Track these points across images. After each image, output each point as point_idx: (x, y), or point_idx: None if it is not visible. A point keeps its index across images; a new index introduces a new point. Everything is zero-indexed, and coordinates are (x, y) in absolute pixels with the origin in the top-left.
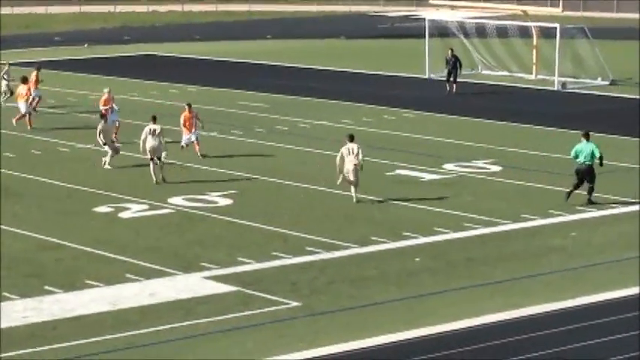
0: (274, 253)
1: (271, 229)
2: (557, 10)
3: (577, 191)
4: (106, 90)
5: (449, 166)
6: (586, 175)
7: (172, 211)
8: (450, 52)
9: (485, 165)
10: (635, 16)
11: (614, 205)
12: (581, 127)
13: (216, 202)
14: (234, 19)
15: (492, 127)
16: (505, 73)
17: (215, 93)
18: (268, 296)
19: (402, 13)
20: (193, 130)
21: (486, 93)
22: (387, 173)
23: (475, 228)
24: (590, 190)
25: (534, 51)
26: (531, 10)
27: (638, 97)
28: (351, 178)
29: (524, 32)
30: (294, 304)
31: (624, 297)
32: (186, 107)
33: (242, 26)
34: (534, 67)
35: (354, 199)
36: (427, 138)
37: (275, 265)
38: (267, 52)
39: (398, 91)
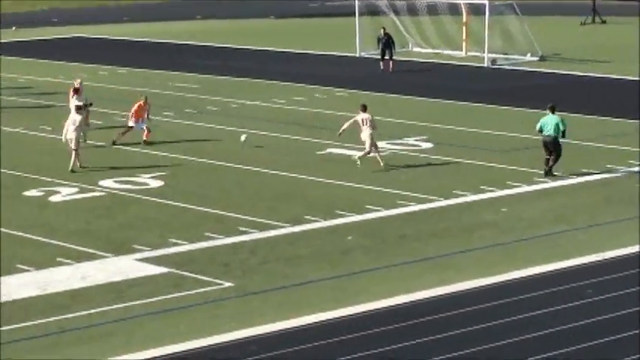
0: (206, 234)
1: (203, 210)
2: None
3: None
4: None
5: (381, 144)
6: (551, 146)
7: (103, 193)
8: (382, 30)
9: (416, 142)
10: None
11: (544, 180)
12: (510, 103)
13: (147, 184)
14: (161, 0)
15: (423, 105)
16: (435, 50)
17: (146, 74)
18: (201, 277)
19: None
20: (144, 119)
21: (417, 70)
22: (319, 152)
23: (407, 205)
24: (554, 161)
25: (464, 28)
26: None
27: (566, 72)
28: (367, 148)
29: (454, 10)
30: (227, 284)
31: (555, 270)
32: (143, 99)
33: (171, 7)
34: (464, 44)
35: (381, 164)
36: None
37: (207, 246)
38: (197, 32)
39: (329, 70)
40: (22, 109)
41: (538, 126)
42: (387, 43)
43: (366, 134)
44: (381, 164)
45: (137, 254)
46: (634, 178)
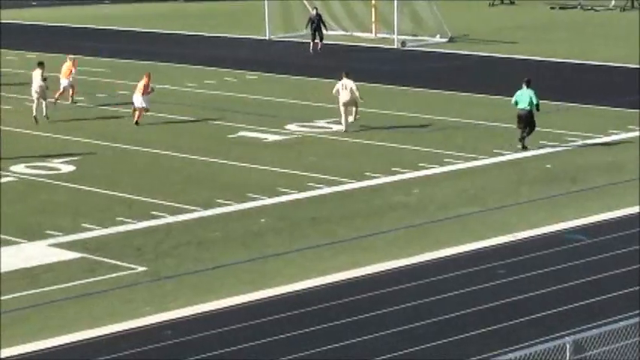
0: (119, 219)
1: (115, 195)
2: None
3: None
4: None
5: (291, 127)
6: (525, 119)
7: (14, 179)
8: (315, 10)
9: (327, 124)
10: None
11: (456, 161)
12: (421, 85)
13: (58, 169)
14: None
15: (332, 87)
16: (345, 32)
17: (55, 59)
18: (114, 262)
19: None
20: (144, 96)
21: (326, 53)
22: (230, 135)
23: (319, 188)
24: (528, 134)
25: (373, 10)
26: None
27: (476, 53)
28: (342, 112)
29: None
30: (140, 268)
31: (467, 252)
32: (146, 75)
33: None
34: (373, 26)
35: (346, 124)
36: (269, 99)
37: (120, 231)
38: (106, 16)
39: (239, 53)
40: None
41: (513, 100)
42: (319, 23)
43: (343, 99)
44: (354, 118)
45: (50, 239)
46: (544, 159)
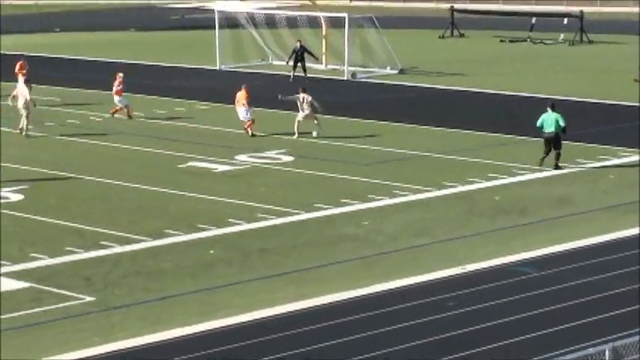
0: (68, 248)
1: (64, 224)
2: (345, 1)
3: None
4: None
5: (241, 157)
6: (553, 142)
7: None
8: (298, 43)
9: (277, 155)
10: (422, 5)
11: (405, 192)
12: (371, 117)
13: (7, 198)
14: (21, 12)
15: (284, 117)
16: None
17: (4, 87)
18: (62, 291)
19: (192, 5)
20: (248, 107)
21: (276, 83)
22: (180, 165)
23: (269, 218)
24: (558, 156)
25: (324, 41)
26: (320, 0)
27: (425, 85)
28: (297, 125)
29: (314, 22)
30: (89, 298)
31: (416, 283)
32: (243, 88)
33: (30, 20)
34: (324, 56)
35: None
36: (218, 129)
37: (69, 260)
38: (57, 45)
39: (190, 83)
40: None
41: (539, 123)
42: (302, 55)
43: (301, 114)
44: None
45: None
46: (493, 191)
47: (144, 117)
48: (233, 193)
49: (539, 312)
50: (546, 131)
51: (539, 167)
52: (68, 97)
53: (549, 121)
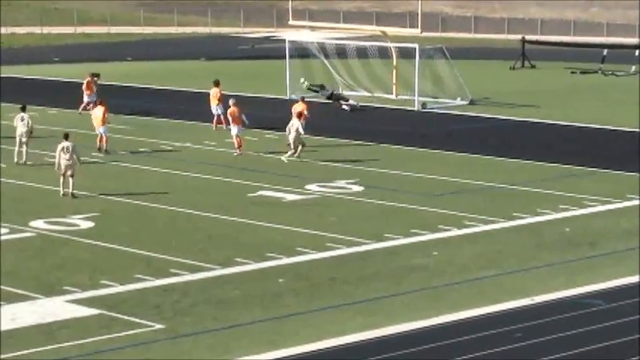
0: (137, 276)
1: (134, 252)
2: (415, 31)
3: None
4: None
5: (311, 187)
6: None
7: (33, 234)
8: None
9: (346, 185)
10: (492, 36)
11: (475, 223)
12: (441, 147)
13: (77, 225)
14: (93, 40)
15: (353, 147)
16: (366, 93)
17: (76, 115)
18: (132, 319)
19: (262, 35)
20: (236, 124)
21: (347, 113)
22: (250, 194)
23: (338, 248)
24: None
25: (394, 71)
26: (390, 30)
27: (496, 116)
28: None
29: (384, 53)
30: (158, 326)
31: (484, 315)
32: (231, 103)
33: (101, 48)
34: (394, 87)
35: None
36: (289, 159)
37: (138, 288)
38: (128, 73)
39: (259, 112)
40: None
41: None
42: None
43: (292, 136)
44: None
45: (67, 295)
46: (563, 223)
47: (214, 146)
48: (302, 223)
49: (607, 345)
50: None
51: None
52: (139, 125)
53: None
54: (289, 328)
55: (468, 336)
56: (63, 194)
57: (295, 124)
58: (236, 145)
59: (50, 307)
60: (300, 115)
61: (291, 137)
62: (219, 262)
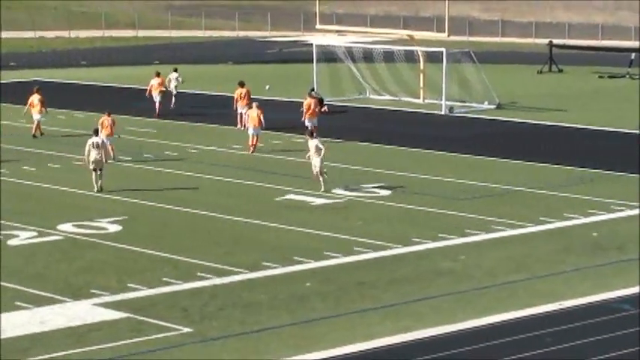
0: (165, 279)
1: (161, 255)
2: (442, 35)
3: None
4: None
5: (338, 191)
6: None
7: (61, 237)
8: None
9: (374, 189)
10: (520, 40)
11: (502, 228)
12: (469, 151)
13: (105, 229)
14: (121, 44)
15: (380, 151)
16: (393, 97)
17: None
18: (159, 322)
19: (289, 39)
20: (256, 126)
21: (374, 117)
22: (277, 198)
23: (365, 252)
24: None
25: (421, 75)
26: (417, 34)
27: (523, 120)
28: (314, 172)
29: (411, 57)
30: (186, 329)
31: (513, 319)
32: (254, 106)
33: (129, 51)
34: (421, 91)
35: (322, 188)
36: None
37: (166, 291)
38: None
39: (287, 116)
40: None
41: None
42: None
43: (314, 160)
44: (322, 189)
45: (95, 299)
46: (591, 227)
47: (239, 149)
48: (330, 227)
49: (636, 349)
50: None
51: None
52: (164, 128)
53: None
54: (317, 332)
55: (497, 340)
56: (97, 190)
57: (314, 161)
58: (250, 143)
59: (78, 310)
60: (309, 109)
61: (315, 170)
62: (247, 265)
